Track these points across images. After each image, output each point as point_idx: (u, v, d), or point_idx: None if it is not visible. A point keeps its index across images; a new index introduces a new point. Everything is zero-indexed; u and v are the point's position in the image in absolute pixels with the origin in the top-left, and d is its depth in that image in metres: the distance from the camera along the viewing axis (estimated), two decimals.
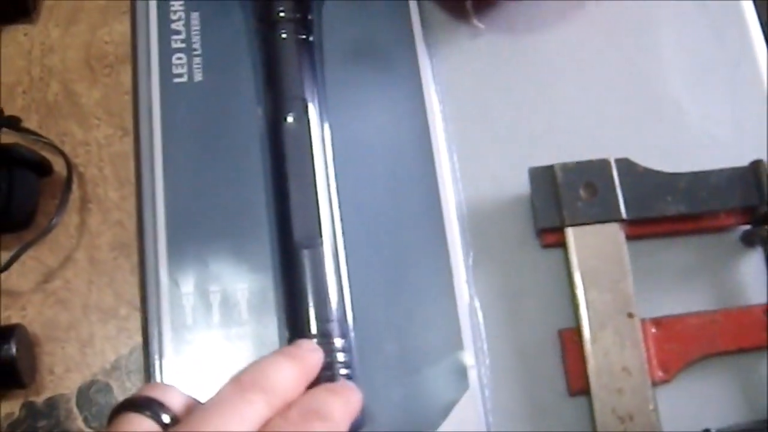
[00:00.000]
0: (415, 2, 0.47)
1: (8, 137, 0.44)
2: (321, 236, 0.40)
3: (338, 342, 0.39)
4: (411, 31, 0.46)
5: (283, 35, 0.43)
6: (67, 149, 0.44)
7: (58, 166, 0.44)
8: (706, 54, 0.48)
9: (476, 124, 0.46)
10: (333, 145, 0.44)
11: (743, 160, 0.43)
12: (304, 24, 0.44)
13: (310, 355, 0.36)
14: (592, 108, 0.46)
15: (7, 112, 0.45)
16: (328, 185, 0.42)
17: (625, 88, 0.47)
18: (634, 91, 0.47)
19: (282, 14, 0.43)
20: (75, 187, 0.44)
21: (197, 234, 0.42)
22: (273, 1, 0.43)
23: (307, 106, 0.42)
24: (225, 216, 0.42)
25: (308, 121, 0.42)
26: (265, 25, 0.44)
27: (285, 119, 0.42)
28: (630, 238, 0.43)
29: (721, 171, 0.43)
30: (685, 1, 0.49)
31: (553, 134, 0.46)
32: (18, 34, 0.47)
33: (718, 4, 0.49)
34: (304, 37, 0.44)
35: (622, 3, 0.49)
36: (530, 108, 0.46)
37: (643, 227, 0.43)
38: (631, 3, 0.49)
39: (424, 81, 0.45)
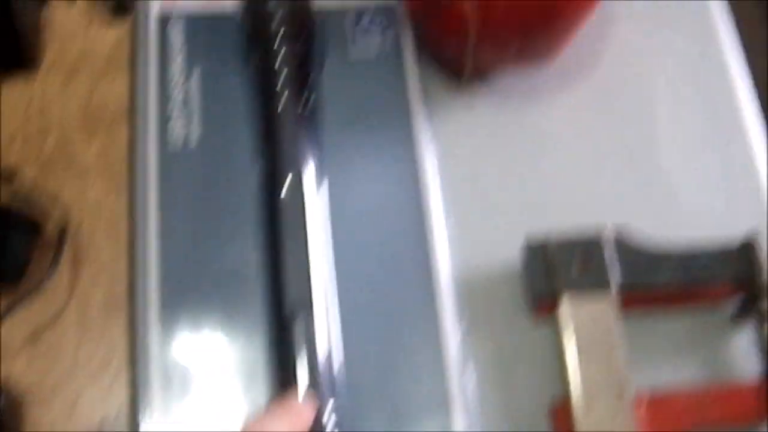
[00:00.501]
0: (413, 71, 0.47)
1: (3, 191, 0.44)
2: (312, 307, 0.40)
3: (328, 406, 0.39)
4: (408, 99, 0.47)
5: (281, 108, 0.43)
6: (61, 206, 0.44)
7: (52, 222, 0.44)
8: (700, 128, 0.49)
9: (471, 193, 0.46)
10: (330, 213, 0.44)
11: (736, 229, 0.44)
12: (302, 98, 0.44)
13: (302, 412, 0.36)
14: (587, 178, 0.47)
15: (3, 164, 0.45)
16: (322, 253, 0.42)
17: (620, 158, 0.48)
18: (628, 162, 0.48)
19: (281, 88, 0.44)
20: (67, 244, 0.43)
21: (189, 298, 0.42)
22: (270, 75, 0.44)
23: (302, 180, 0.42)
24: (218, 282, 0.42)
25: (303, 195, 0.42)
26: (264, 97, 0.44)
27: (280, 193, 0.42)
28: (623, 309, 0.43)
29: (714, 245, 0.44)
30: (679, 78, 0.50)
31: (547, 203, 0.46)
32: (16, 87, 0.47)
33: (710, 81, 0.50)
34: (300, 110, 0.44)
35: (619, 76, 0.49)
36: (525, 177, 0.46)
37: (636, 299, 0.43)
38: (627, 77, 0.50)
39: (420, 149, 0.46)
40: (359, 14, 0.49)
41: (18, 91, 0.47)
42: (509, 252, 0.44)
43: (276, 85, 0.44)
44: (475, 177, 0.46)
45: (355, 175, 0.45)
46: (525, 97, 0.48)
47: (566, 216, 0.46)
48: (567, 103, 0.49)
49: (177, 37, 0.47)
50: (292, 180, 0.42)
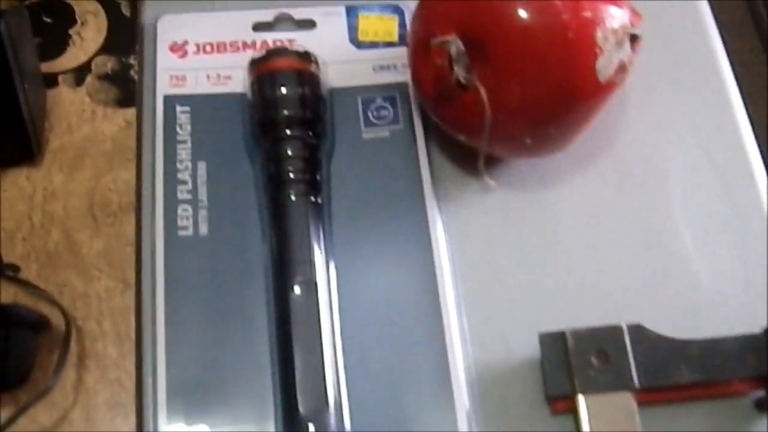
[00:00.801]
0: (425, 157, 0.46)
1: (6, 287, 0.43)
2: (328, 408, 0.39)
3: None
4: (421, 185, 0.46)
5: (292, 197, 0.42)
6: (65, 301, 0.43)
7: (56, 318, 0.43)
8: (716, 209, 0.48)
9: (486, 283, 0.45)
10: (340, 302, 0.43)
11: (755, 320, 0.43)
12: (313, 185, 0.43)
13: None
14: (602, 267, 0.46)
15: (6, 259, 0.44)
16: (335, 348, 0.41)
17: (636, 245, 0.47)
18: (644, 248, 0.47)
19: (291, 175, 0.43)
20: (73, 341, 0.42)
21: (199, 398, 0.41)
22: (282, 162, 0.43)
23: (314, 273, 0.41)
24: (228, 380, 0.41)
25: (316, 287, 0.41)
26: (274, 185, 0.43)
27: (292, 288, 0.41)
28: (642, 404, 0.42)
29: (735, 338, 0.43)
30: (695, 160, 0.49)
31: (563, 295, 0.45)
32: (20, 177, 0.46)
33: (725, 157, 0.49)
34: (312, 198, 0.43)
35: (633, 159, 0.49)
36: (541, 267, 0.45)
37: (655, 395, 0.42)
38: (641, 160, 0.49)
39: (433, 237, 0.45)
40: (372, 93, 0.48)
41: (21, 182, 0.46)
42: (525, 342, 0.43)
43: (287, 173, 0.43)
44: (490, 266, 0.45)
45: (366, 263, 0.44)
46: (539, 181, 0.48)
47: (582, 305, 0.45)
48: (581, 187, 0.48)
49: (184, 121, 0.47)
50: (304, 271, 0.41)
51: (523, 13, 0.40)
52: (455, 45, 0.41)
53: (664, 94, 0.51)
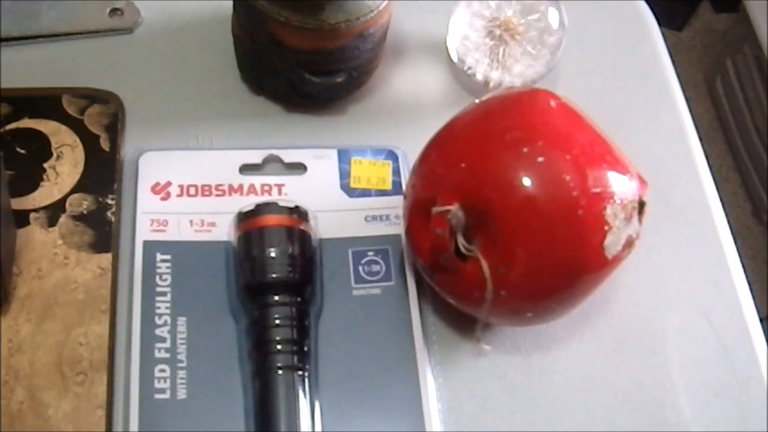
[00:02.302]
0: (418, 317, 0.44)
1: None
2: None
3: None
4: (413, 348, 0.43)
5: (279, 371, 0.40)
6: None
7: None
8: (715, 375, 0.47)
9: None
10: None
11: None
12: (301, 355, 0.41)
13: None
14: None
15: None
16: None
17: (633, 414, 0.45)
18: (642, 417, 0.45)
19: (279, 346, 0.40)
20: None
21: None
22: (269, 329, 0.40)
23: None
24: None
25: None
26: (259, 353, 0.40)
27: None
28: None
29: None
30: (691, 315, 0.47)
31: None
32: None
33: (723, 319, 0.48)
34: (300, 372, 0.40)
35: (629, 322, 0.47)
36: None
37: None
38: (636, 316, 0.47)
39: (425, 406, 0.42)
40: (364, 245, 0.46)
41: None
42: None
43: (274, 344, 0.40)
44: None
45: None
46: (534, 345, 0.46)
47: None
48: (577, 351, 0.46)
49: (165, 270, 0.44)
50: None
51: (530, 187, 0.38)
52: (457, 215, 0.39)
53: (659, 252, 0.49)
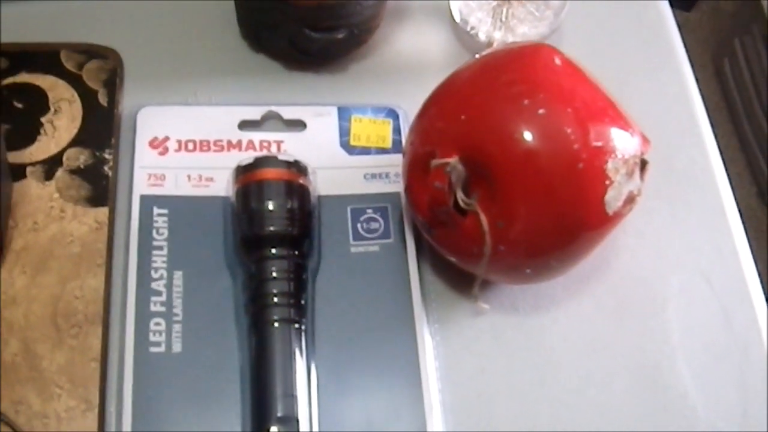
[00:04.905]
0: (416, 275, 0.44)
1: None
2: None
3: None
4: (411, 306, 0.43)
5: (275, 323, 0.39)
6: (21, 420, 0.40)
7: None
8: (715, 339, 0.46)
9: (476, 415, 0.42)
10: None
11: None
12: (298, 309, 0.40)
13: None
14: (597, 399, 0.43)
15: None
16: None
17: (632, 376, 0.44)
18: (641, 379, 0.44)
19: (276, 299, 0.40)
20: None
21: None
22: (266, 283, 0.40)
23: (296, 408, 0.38)
24: None
25: (297, 424, 0.38)
26: (256, 307, 0.40)
27: (269, 430, 0.38)
28: None
29: None
30: (694, 285, 0.47)
31: (556, 429, 0.42)
32: None
33: (724, 283, 0.48)
34: (297, 325, 0.40)
35: (629, 284, 0.47)
36: (533, 398, 0.43)
37: None
38: (636, 279, 0.47)
39: (422, 364, 0.42)
40: (362, 203, 0.45)
41: None
42: None
43: (271, 297, 0.40)
44: (479, 395, 0.43)
45: (350, 391, 0.41)
46: (533, 305, 0.45)
47: None
48: (576, 312, 0.45)
49: (162, 225, 0.44)
50: (284, 411, 0.38)
51: (531, 140, 0.38)
52: (456, 168, 0.39)
53: (661, 214, 0.49)
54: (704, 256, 0.48)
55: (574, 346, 0.45)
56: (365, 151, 0.47)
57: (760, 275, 0.49)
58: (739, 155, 1.39)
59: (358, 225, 0.44)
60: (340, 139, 0.47)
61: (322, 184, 0.45)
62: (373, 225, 0.45)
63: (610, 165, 0.38)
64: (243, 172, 0.42)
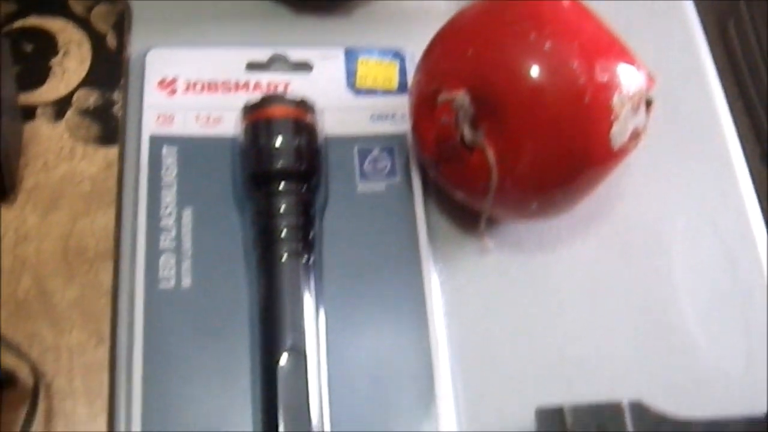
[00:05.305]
0: (423, 214, 0.44)
1: None
2: None
3: None
4: (417, 245, 0.43)
5: (283, 258, 0.40)
6: (34, 354, 0.40)
7: (24, 372, 0.40)
8: (718, 280, 0.46)
9: (481, 351, 0.43)
10: (329, 366, 0.40)
11: (756, 398, 0.42)
12: (306, 244, 0.41)
13: None
14: (602, 338, 0.44)
15: None
16: (322, 417, 0.39)
17: (637, 315, 0.45)
18: (645, 319, 0.45)
19: (283, 233, 0.40)
20: (41, 398, 0.39)
21: None
22: (274, 218, 0.40)
23: (304, 340, 0.39)
24: None
25: (305, 356, 0.39)
26: (264, 241, 0.41)
27: (280, 356, 0.38)
28: None
29: (739, 421, 0.41)
30: (699, 228, 0.47)
31: (561, 367, 0.43)
32: None
33: (728, 225, 0.48)
34: (304, 259, 0.40)
35: (635, 225, 0.47)
36: (538, 336, 0.43)
37: None
38: (643, 225, 0.47)
39: (428, 301, 0.42)
40: (369, 143, 0.46)
41: None
42: (520, 416, 0.41)
43: (279, 231, 0.41)
44: (485, 331, 0.43)
45: (357, 325, 0.42)
46: (538, 244, 0.46)
47: (580, 375, 0.43)
48: (581, 251, 0.46)
49: (171, 163, 0.44)
50: (292, 343, 0.39)
51: (537, 74, 0.38)
52: (463, 102, 0.39)
53: (667, 158, 0.49)
54: (709, 200, 0.49)
55: (579, 286, 0.45)
56: (371, 92, 0.47)
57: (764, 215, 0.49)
58: (743, 118, 1.39)
59: (365, 165, 0.45)
60: (346, 81, 0.47)
61: (329, 125, 0.45)
62: (380, 164, 0.45)
63: (615, 99, 0.39)
64: (251, 110, 0.43)
